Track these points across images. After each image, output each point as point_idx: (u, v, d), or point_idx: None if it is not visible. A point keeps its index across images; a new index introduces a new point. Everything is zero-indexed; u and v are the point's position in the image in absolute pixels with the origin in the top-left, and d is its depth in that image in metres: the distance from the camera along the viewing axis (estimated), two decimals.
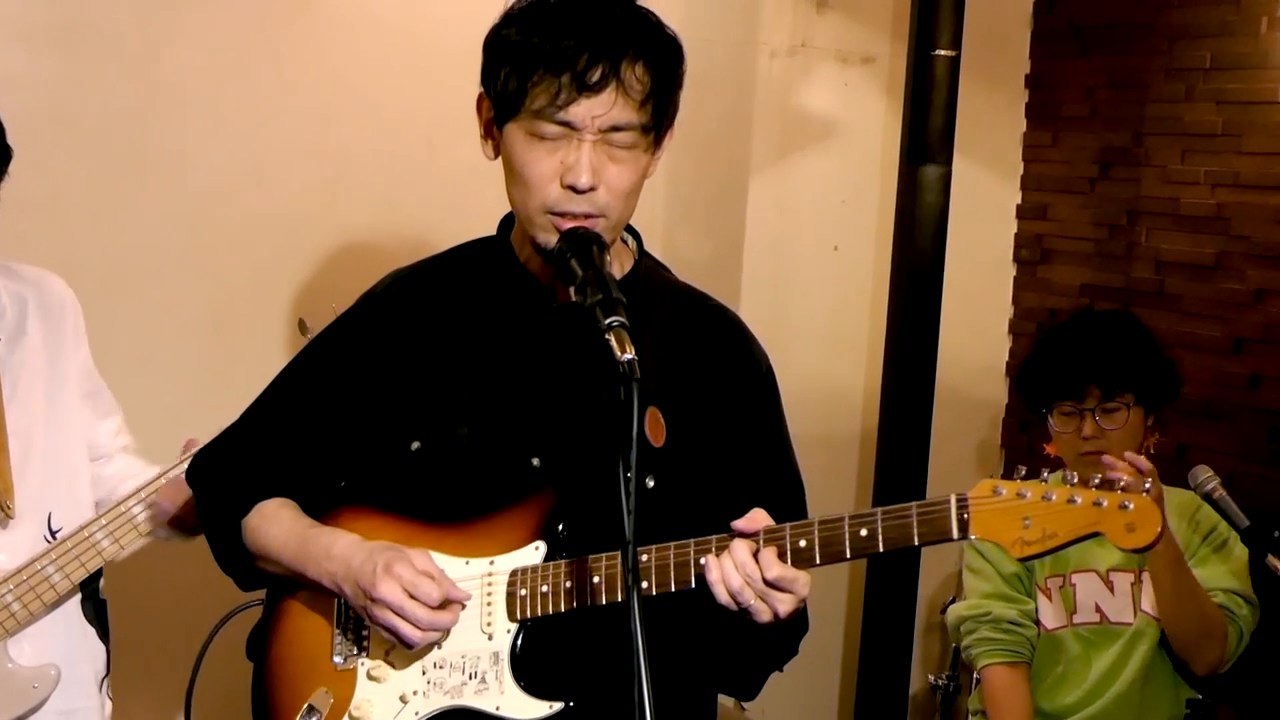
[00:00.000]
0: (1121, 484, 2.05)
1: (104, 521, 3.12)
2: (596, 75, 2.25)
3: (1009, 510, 2.12)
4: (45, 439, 3.15)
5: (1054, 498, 2.11)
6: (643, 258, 2.54)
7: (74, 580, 3.11)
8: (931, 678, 4.56)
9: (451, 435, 2.45)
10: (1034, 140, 5.30)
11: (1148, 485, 2.11)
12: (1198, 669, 3.69)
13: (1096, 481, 2.11)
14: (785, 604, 2.22)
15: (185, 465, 3.08)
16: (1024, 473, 2.15)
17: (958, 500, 2.15)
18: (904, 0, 4.76)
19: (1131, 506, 2.08)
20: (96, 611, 3.25)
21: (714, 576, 2.22)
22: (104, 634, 3.27)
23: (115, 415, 3.35)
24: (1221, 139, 4.62)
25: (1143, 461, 3.49)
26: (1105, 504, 2.09)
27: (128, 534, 3.14)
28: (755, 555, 2.21)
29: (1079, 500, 2.10)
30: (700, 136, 4.72)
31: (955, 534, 2.14)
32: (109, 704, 3.29)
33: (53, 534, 3.13)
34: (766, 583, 2.20)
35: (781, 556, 2.21)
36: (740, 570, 2.20)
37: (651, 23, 2.34)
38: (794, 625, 2.37)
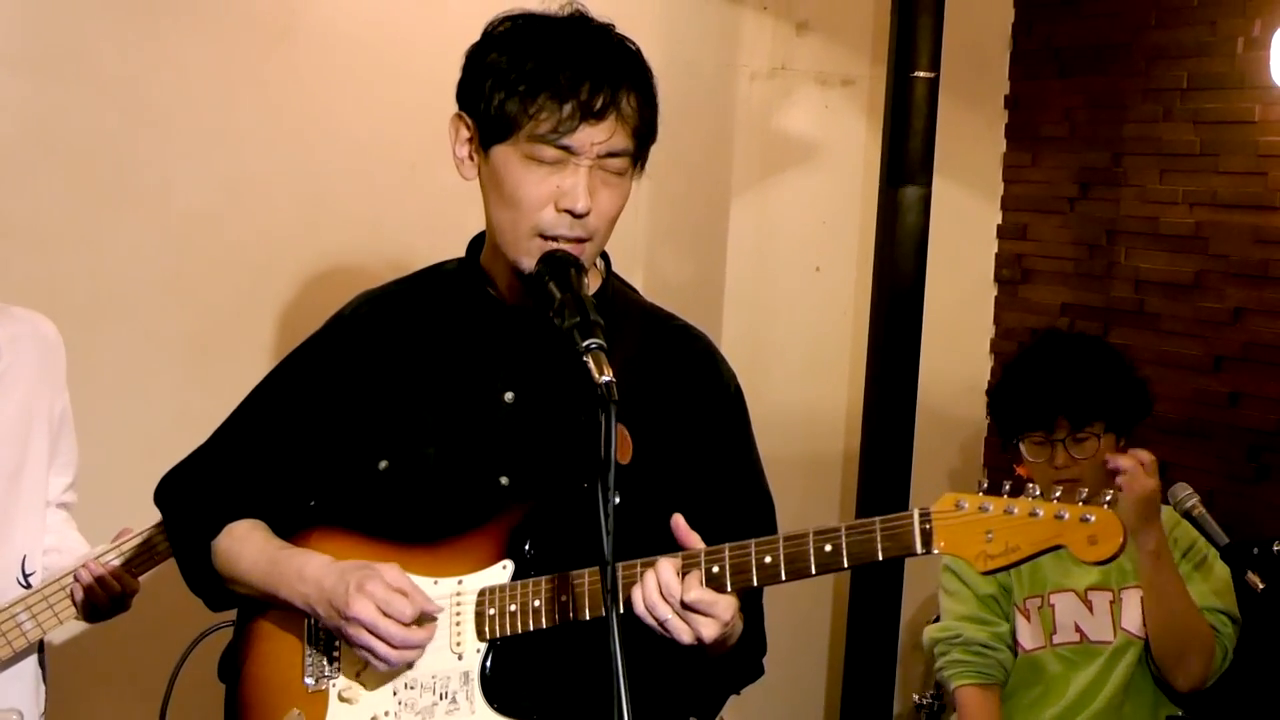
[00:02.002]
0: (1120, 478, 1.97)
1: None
2: (599, 103, 2.28)
3: (972, 524, 2.12)
4: (27, 480, 3.16)
5: (1016, 511, 2.10)
6: (610, 278, 2.56)
7: (45, 629, 3.11)
8: (916, 697, 4.55)
9: (419, 454, 2.47)
10: (1013, 160, 5.32)
11: (1108, 497, 2.11)
12: (1180, 685, 3.69)
13: (1108, 498, 2.10)
14: (707, 628, 2.21)
15: (116, 551, 3.13)
16: (985, 486, 2.14)
17: (920, 514, 2.14)
18: (883, 22, 4.78)
19: (1093, 519, 2.07)
20: (41, 653, 3.25)
21: (635, 591, 2.22)
22: (45, 674, 3.27)
23: (69, 473, 3.31)
24: (1199, 158, 4.64)
25: (1145, 454, 3.52)
26: (1067, 516, 2.08)
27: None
28: (681, 576, 2.21)
29: (1041, 513, 2.09)
30: (681, 159, 4.73)
31: (919, 548, 2.14)
32: None
33: (25, 577, 3.13)
34: (684, 604, 2.19)
35: (746, 572, 2.20)
36: (664, 589, 2.20)
37: (635, 53, 2.38)
38: (745, 649, 2.39)
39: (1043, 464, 3.74)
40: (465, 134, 2.40)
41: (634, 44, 2.39)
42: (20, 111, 3.90)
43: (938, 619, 4.01)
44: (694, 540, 2.26)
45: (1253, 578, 3.41)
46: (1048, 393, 3.73)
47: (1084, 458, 3.69)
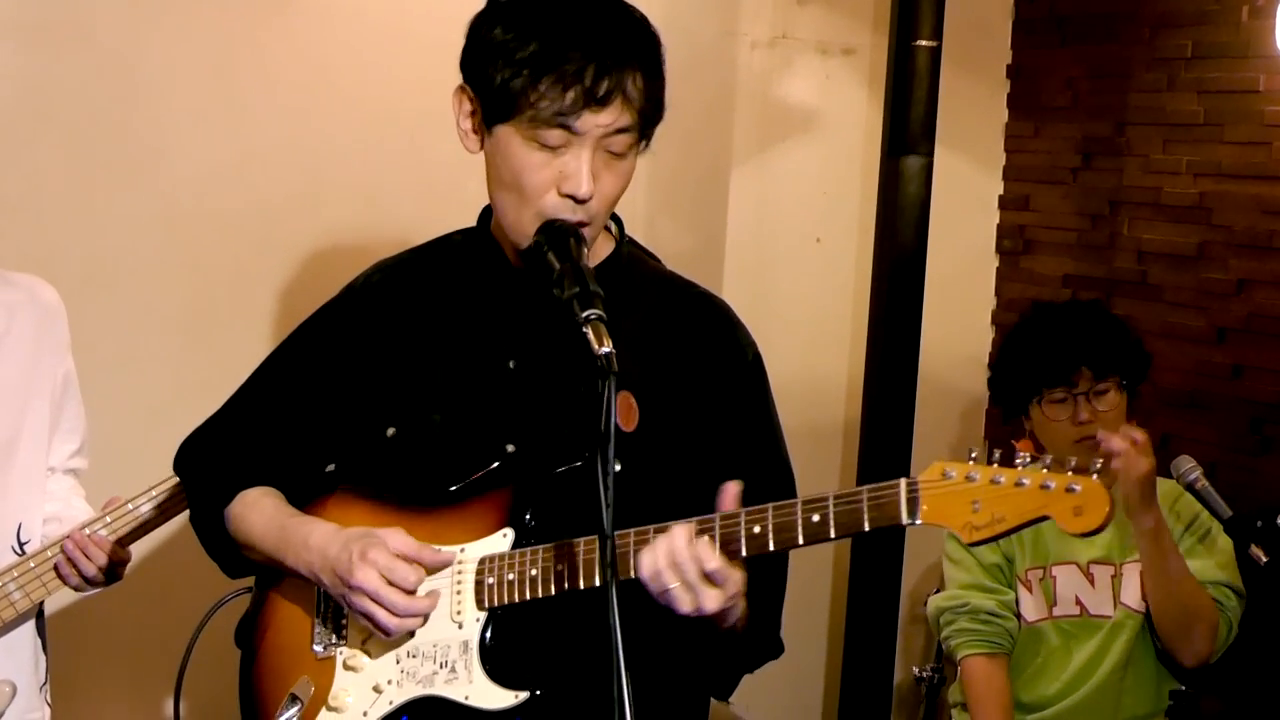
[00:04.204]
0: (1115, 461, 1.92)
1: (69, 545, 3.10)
2: (603, 89, 2.25)
3: (958, 493, 2.09)
4: (22, 448, 3.14)
5: (1002, 481, 2.07)
6: (624, 243, 2.53)
7: (34, 600, 3.11)
8: (916, 669, 4.55)
9: (425, 421, 2.47)
10: (1016, 130, 5.30)
11: (1098, 465, 2.08)
12: (1185, 660, 3.68)
13: (1098, 465, 2.08)
14: (711, 599, 2.18)
15: (107, 521, 3.11)
16: (974, 454, 2.11)
17: (908, 484, 2.12)
18: None
19: (1079, 489, 2.03)
20: (40, 622, 3.24)
21: (644, 555, 2.19)
22: (44, 643, 3.26)
23: (75, 439, 3.31)
24: (1203, 128, 4.61)
25: (1138, 433, 3.51)
26: (1053, 486, 2.04)
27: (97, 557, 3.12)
28: (692, 542, 2.17)
29: (1027, 483, 2.05)
30: (681, 128, 4.63)
31: (905, 518, 2.11)
32: (48, 710, 3.28)
33: (20, 545, 3.12)
34: (704, 576, 2.16)
35: (735, 543, 2.18)
36: (673, 555, 2.17)
37: (641, 24, 2.34)
38: (760, 627, 2.37)
39: (1064, 423, 3.72)
40: (468, 108, 2.37)
41: (640, 14, 2.35)
42: (16, 81, 3.88)
43: (939, 590, 4.00)
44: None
45: (1256, 551, 3.41)
46: (1069, 345, 3.73)
47: (1106, 410, 3.68)
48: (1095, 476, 2.04)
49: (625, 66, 2.27)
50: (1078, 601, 3.77)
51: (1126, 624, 3.73)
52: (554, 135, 2.27)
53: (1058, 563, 3.78)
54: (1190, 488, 3.54)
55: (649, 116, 2.33)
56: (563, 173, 2.28)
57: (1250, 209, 4.48)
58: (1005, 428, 5.18)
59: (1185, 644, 3.67)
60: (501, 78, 2.28)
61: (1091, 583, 3.76)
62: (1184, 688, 3.77)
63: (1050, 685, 3.79)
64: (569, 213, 2.30)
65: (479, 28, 2.35)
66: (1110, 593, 3.75)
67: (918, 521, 2.10)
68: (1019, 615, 3.80)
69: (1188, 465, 3.54)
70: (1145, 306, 4.74)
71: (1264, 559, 3.39)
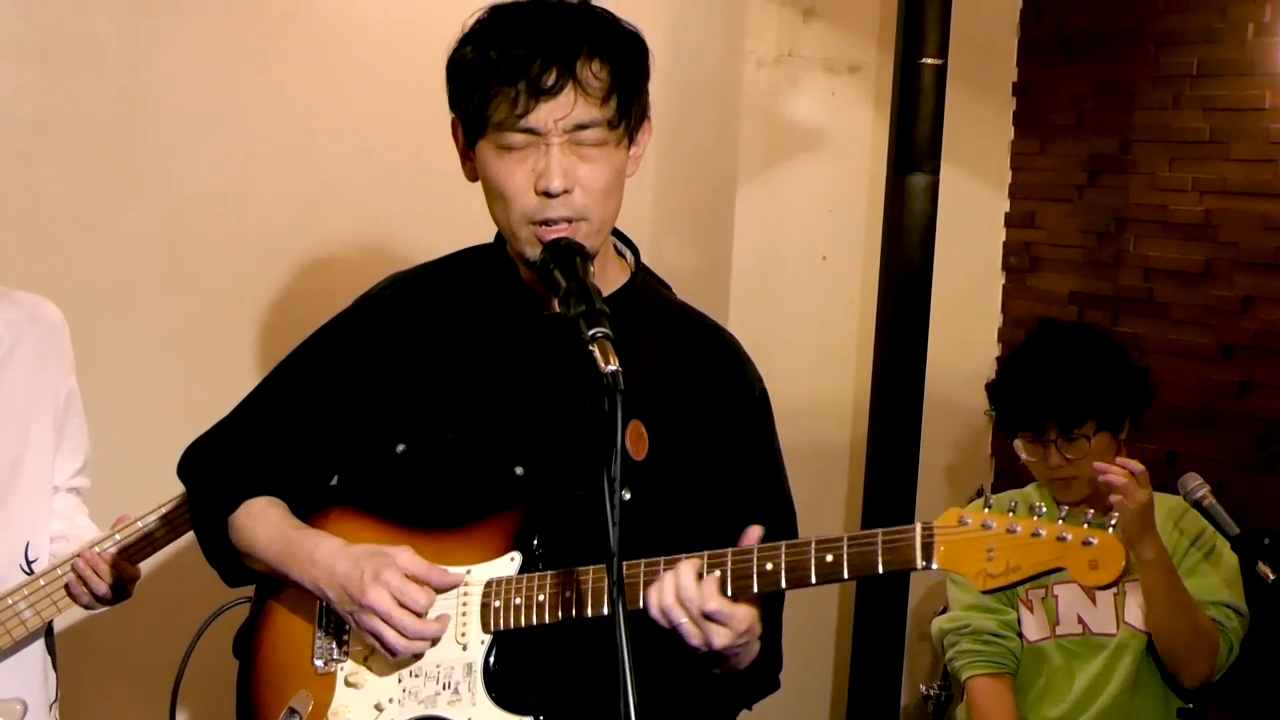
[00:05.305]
0: (1114, 495, 1.94)
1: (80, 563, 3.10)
2: (551, 79, 2.26)
3: (974, 541, 2.11)
4: (28, 468, 3.14)
5: (1019, 530, 2.09)
6: (639, 272, 2.54)
7: (45, 619, 3.10)
8: (923, 687, 4.54)
9: (436, 439, 2.46)
10: (1021, 148, 5.30)
11: (1113, 521, 2.10)
12: (1186, 682, 3.68)
13: (1113, 520, 2.07)
14: (719, 636, 2.20)
15: (117, 539, 3.11)
16: (990, 502, 2.13)
17: (923, 529, 2.13)
18: (890, 9, 4.75)
19: (1095, 543, 2.06)
20: (49, 640, 3.23)
21: (651, 591, 2.21)
22: (54, 661, 3.25)
23: (79, 457, 3.30)
24: (1209, 146, 4.61)
25: (1135, 464, 3.49)
26: (1070, 539, 2.07)
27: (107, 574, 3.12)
28: (699, 579, 2.19)
29: (1043, 534, 2.08)
30: (687, 146, 4.70)
31: (919, 563, 2.13)
32: None
33: (29, 563, 3.12)
34: (704, 615, 2.18)
35: (746, 579, 2.19)
36: (679, 591, 2.19)
37: (605, 20, 2.35)
38: (760, 665, 2.36)
39: (1037, 461, 3.73)
40: (460, 137, 2.40)
41: (608, 12, 2.37)
42: (22, 98, 3.88)
43: (945, 609, 3.99)
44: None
45: (1263, 568, 3.41)
46: (1034, 397, 3.70)
47: (1077, 457, 3.67)
48: (1111, 530, 2.06)
49: (574, 55, 2.28)
50: (1080, 620, 3.76)
51: (1131, 644, 3.72)
52: (518, 138, 2.29)
53: (1060, 581, 3.77)
54: (1197, 505, 3.53)
55: (621, 103, 2.33)
56: (535, 171, 2.30)
57: (1256, 226, 4.48)
58: (1010, 445, 5.19)
59: (1185, 666, 3.66)
60: (467, 97, 2.33)
61: (1094, 601, 3.75)
62: (1190, 706, 3.75)
63: (1055, 706, 3.78)
64: (550, 210, 2.30)
65: (450, 58, 2.38)
66: (1113, 611, 3.74)
67: (933, 566, 2.13)
68: (1021, 635, 3.80)
69: (1195, 483, 3.54)
70: (1151, 324, 4.74)
71: (1271, 576, 3.39)
